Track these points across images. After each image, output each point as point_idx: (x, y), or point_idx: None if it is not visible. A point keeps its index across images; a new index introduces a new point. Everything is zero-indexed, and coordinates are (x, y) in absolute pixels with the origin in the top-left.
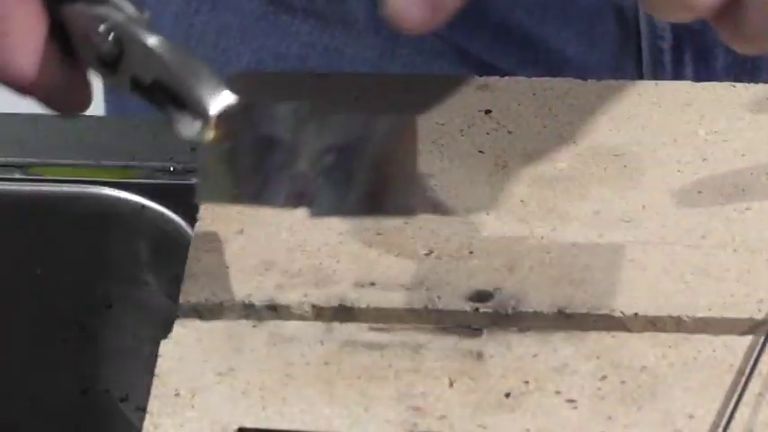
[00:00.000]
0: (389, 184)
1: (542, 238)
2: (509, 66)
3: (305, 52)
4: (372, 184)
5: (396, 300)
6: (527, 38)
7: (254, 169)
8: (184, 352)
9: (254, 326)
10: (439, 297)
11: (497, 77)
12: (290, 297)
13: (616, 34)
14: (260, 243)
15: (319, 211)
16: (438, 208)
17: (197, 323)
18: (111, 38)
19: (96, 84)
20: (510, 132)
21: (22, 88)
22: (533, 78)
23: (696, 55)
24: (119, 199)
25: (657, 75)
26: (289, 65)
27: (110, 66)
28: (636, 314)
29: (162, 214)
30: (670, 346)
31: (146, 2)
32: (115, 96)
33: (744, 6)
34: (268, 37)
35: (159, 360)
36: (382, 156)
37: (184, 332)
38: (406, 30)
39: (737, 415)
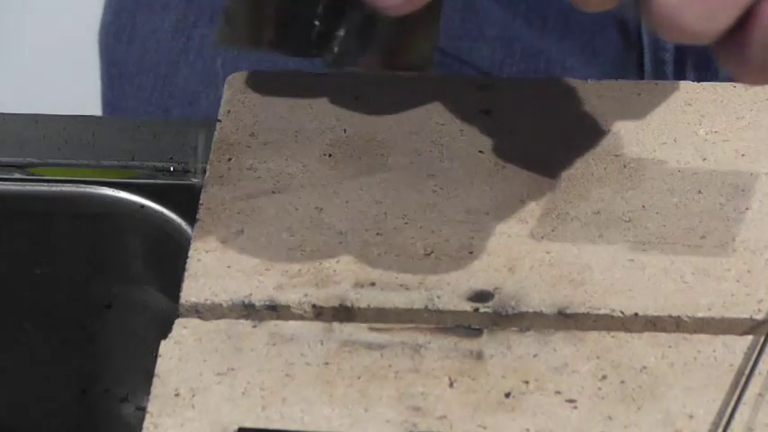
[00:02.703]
0: (409, 39)
1: (542, 238)
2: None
3: (305, 65)
4: (392, 37)
5: (396, 300)
6: (528, 49)
7: (276, 15)
8: (184, 352)
9: (254, 326)
10: (439, 297)
11: (497, 77)
12: (290, 297)
13: (618, 46)
14: (260, 243)
15: (336, 60)
16: (438, 208)
17: (197, 323)
18: None
19: (95, 84)
20: (510, 132)
21: None
22: (533, 78)
23: (698, 67)
24: (118, 199)
25: (664, 80)
26: None
27: None
28: (636, 314)
29: (162, 214)
30: (670, 346)
31: (143, 15)
32: (115, 96)
33: (748, 35)
34: None
35: (159, 360)
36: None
37: (184, 332)
38: (383, 10)
39: (737, 415)
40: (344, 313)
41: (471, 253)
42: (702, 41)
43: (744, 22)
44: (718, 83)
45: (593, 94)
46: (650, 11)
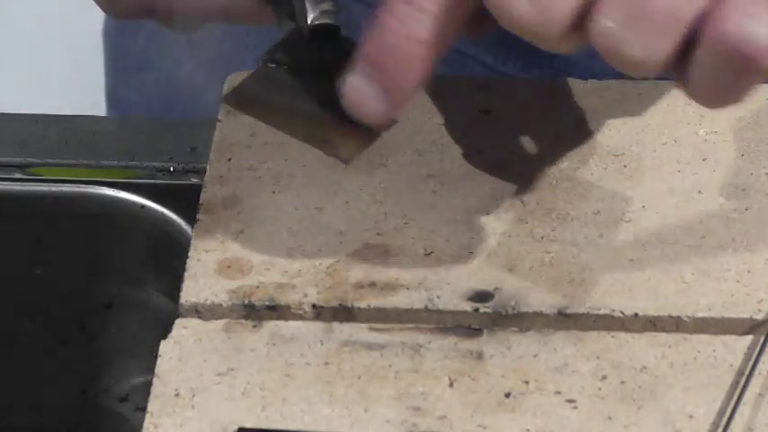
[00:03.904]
0: None
1: (542, 238)
2: (513, 71)
3: None
4: None
5: (396, 300)
6: (532, 44)
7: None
8: (184, 352)
9: (254, 326)
10: (439, 297)
11: (497, 77)
12: (290, 297)
13: None
14: (260, 243)
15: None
16: (438, 208)
17: (197, 323)
18: None
19: (97, 84)
20: (510, 132)
21: None
22: (533, 78)
23: None
24: (119, 199)
25: (664, 79)
26: None
27: None
28: (636, 314)
29: (162, 214)
30: (670, 346)
31: None
32: (120, 91)
33: (690, 62)
34: (272, 43)
35: (159, 360)
36: None
37: (184, 332)
38: (365, 120)
39: (737, 415)
40: (344, 313)
41: (471, 253)
42: (649, 71)
43: (687, 49)
44: None
45: (593, 94)
46: (595, 42)
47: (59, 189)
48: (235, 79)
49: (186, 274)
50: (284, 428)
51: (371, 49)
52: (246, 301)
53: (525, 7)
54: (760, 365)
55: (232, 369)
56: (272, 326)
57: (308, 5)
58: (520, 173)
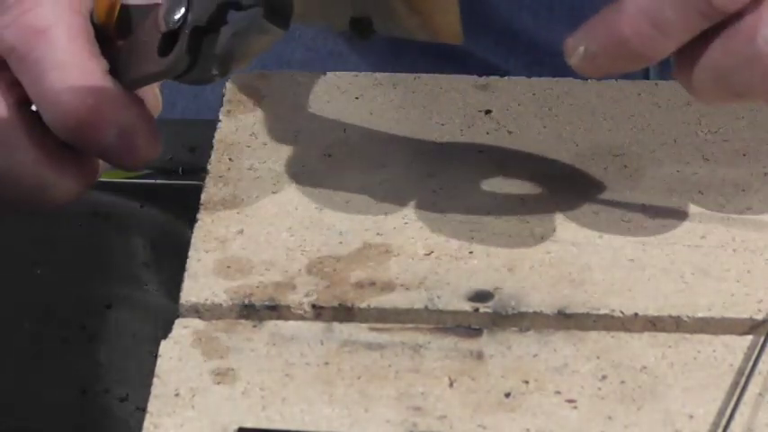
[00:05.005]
0: None
1: (542, 238)
2: (515, 69)
3: (308, 57)
4: None
5: (396, 300)
6: (533, 40)
7: None
8: (184, 352)
9: (254, 326)
10: (439, 297)
11: (497, 77)
12: (290, 297)
13: None
14: (260, 243)
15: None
16: (438, 207)
17: (197, 323)
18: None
19: None
20: (510, 132)
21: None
22: (533, 78)
23: None
24: (118, 199)
25: (665, 79)
26: (292, 70)
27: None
28: (636, 314)
29: (161, 214)
30: (670, 346)
31: None
32: None
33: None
34: None
35: (159, 360)
36: None
37: (184, 332)
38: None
39: (737, 415)
40: (344, 313)
41: (471, 253)
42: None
43: (698, 44)
44: None
45: (594, 94)
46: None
47: None
48: (236, 79)
49: (186, 274)
50: (284, 428)
51: (602, 33)
52: (246, 301)
53: None
54: (760, 365)
55: (232, 369)
56: (272, 326)
57: None
58: (520, 173)
